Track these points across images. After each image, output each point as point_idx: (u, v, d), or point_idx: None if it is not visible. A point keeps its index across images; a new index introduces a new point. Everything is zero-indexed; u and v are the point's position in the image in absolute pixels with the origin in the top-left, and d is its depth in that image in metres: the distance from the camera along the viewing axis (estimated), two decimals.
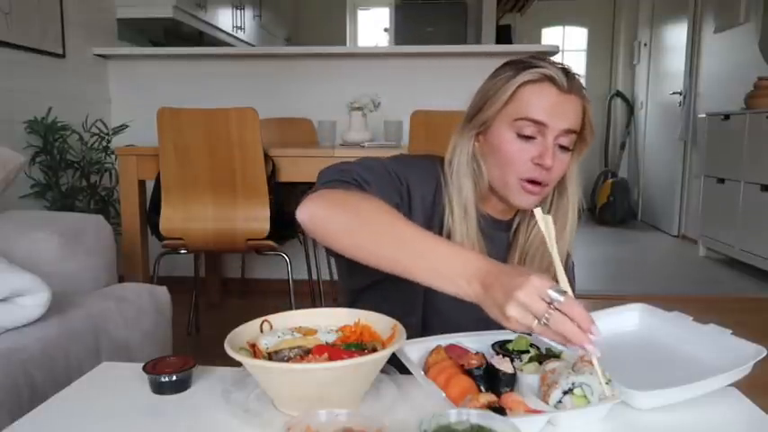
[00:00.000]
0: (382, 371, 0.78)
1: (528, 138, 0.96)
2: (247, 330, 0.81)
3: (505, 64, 1.00)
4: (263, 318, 0.84)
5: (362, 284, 1.07)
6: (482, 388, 0.75)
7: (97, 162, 2.84)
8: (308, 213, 0.87)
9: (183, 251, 2.28)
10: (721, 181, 4.16)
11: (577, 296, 1.16)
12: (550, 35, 7.08)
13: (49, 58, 2.83)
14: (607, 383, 0.72)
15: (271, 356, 0.77)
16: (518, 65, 0.98)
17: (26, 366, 1.14)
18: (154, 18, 3.56)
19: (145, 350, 1.48)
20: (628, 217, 6.01)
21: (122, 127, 2.92)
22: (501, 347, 0.85)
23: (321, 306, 2.09)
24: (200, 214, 2.19)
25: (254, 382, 0.77)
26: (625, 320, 0.99)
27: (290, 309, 0.89)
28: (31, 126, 2.63)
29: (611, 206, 5.91)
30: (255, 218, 2.19)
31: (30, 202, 2.59)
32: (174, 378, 0.81)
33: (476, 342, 0.86)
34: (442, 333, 0.89)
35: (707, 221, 4.41)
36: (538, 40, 6.93)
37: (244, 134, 2.12)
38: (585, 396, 0.71)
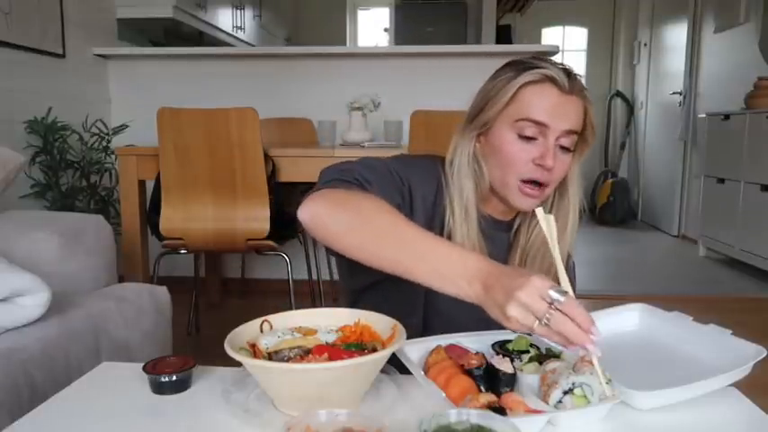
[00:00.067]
0: (382, 371, 0.78)
1: (529, 138, 0.96)
2: (247, 330, 0.81)
3: (506, 64, 1.00)
4: (263, 318, 0.84)
5: (363, 284, 1.07)
6: (482, 388, 0.75)
7: (97, 162, 2.84)
8: (310, 213, 0.87)
9: (183, 251, 2.28)
10: (721, 181, 4.16)
11: (578, 296, 1.17)
12: (550, 35, 7.08)
13: (49, 58, 2.83)
14: (607, 383, 0.72)
15: (271, 356, 0.77)
16: (519, 65, 0.97)
17: (26, 366, 1.14)
18: (154, 18, 3.56)
19: (145, 350, 1.48)
20: (628, 217, 6.01)
21: (122, 127, 2.92)
22: (501, 347, 0.85)
23: (321, 306, 2.09)
24: (200, 214, 2.20)
25: (254, 382, 0.77)
26: (625, 320, 0.99)
27: (290, 309, 0.88)
28: (31, 126, 2.63)
29: (611, 206, 5.91)
30: (255, 218, 2.19)
31: (30, 202, 2.59)
32: (174, 378, 0.81)
33: (476, 342, 0.86)
34: (442, 333, 0.89)
35: (707, 221, 4.41)
36: (538, 40, 6.93)
37: (244, 134, 2.12)
38: (585, 396, 0.71)
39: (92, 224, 1.69)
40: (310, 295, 2.92)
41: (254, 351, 0.78)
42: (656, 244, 5.21)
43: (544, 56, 1.03)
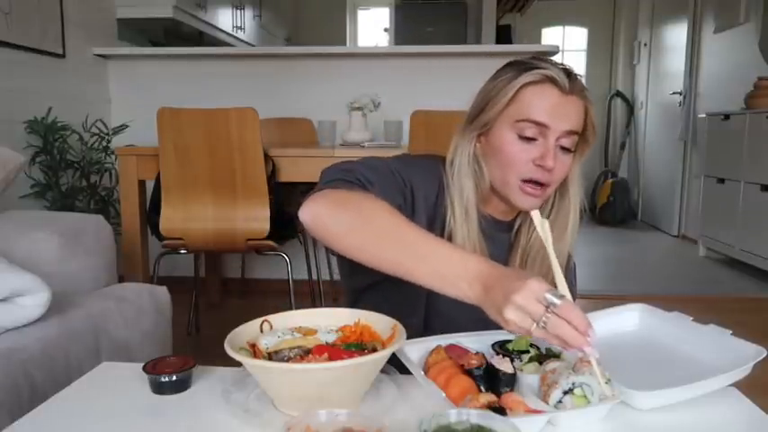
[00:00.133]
0: (382, 371, 0.78)
1: (529, 139, 0.96)
2: (247, 330, 0.81)
3: (507, 65, 1.00)
4: (263, 318, 0.84)
5: (364, 284, 1.07)
6: (482, 388, 0.75)
7: (97, 162, 2.84)
8: (311, 213, 0.87)
9: (183, 251, 2.28)
10: (721, 181, 4.16)
11: (578, 296, 1.17)
12: (550, 35, 7.08)
13: (49, 58, 2.83)
14: (606, 383, 0.72)
15: (271, 356, 0.77)
16: (519, 66, 0.97)
17: (26, 366, 1.14)
18: (154, 18, 3.56)
19: (145, 350, 1.48)
20: (628, 217, 6.01)
21: (122, 127, 2.92)
22: (501, 347, 0.85)
23: (321, 306, 2.09)
24: (200, 214, 2.20)
25: (254, 382, 0.77)
26: (625, 320, 0.99)
27: (290, 309, 0.89)
28: (31, 126, 2.63)
29: (611, 206, 5.91)
30: (255, 218, 2.19)
31: (30, 202, 2.59)
32: (174, 378, 0.81)
33: (476, 342, 0.86)
34: (442, 334, 0.89)
35: (707, 221, 4.41)
36: (538, 40, 6.93)
37: (244, 134, 2.12)
38: (585, 396, 0.72)
39: (92, 224, 1.69)
40: (310, 295, 2.92)
41: (254, 351, 0.78)
42: (656, 244, 5.21)
43: (544, 56, 1.03)
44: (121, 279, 2.00)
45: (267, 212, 2.18)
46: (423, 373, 0.78)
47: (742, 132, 3.87)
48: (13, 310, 1.22)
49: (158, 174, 2.23)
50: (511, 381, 0.75)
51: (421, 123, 2.26)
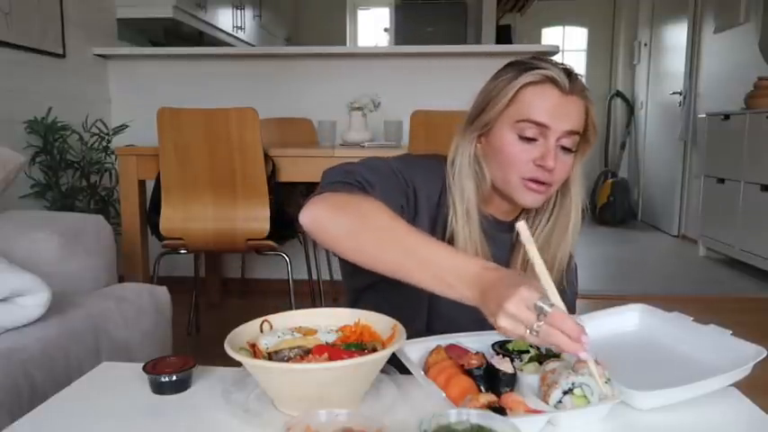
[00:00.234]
0: (382, 371, 0.78)
1: (530, 139, 0.95)
2: (247, 330, 0.81)
3: (507, 65, 1.00)
4: (263, 318, 0.84)
5: (365, 284, 1.07)
6: (482, 388, 0.75)
7: (97, 162, 2.84)
8: (311, 216, 0.88)
9: (183, 251, 2.28)
10: (721, 181, 4.16)
11: (579, 296, 1.17)
12: (550, 35, 7.08)
13: (49, 58, 2.83)
14: (606, 383, 0.72)
15: (271, 356, 0.77)
16: (520, 66, 0.97)
17: (26, 366, 1.14)
18: (154, 18, 3.55)
19: (145, 350, 1.48)
20: (628, 217, 6.01)
21: (122, 127, 2.92)
22: (501, 347, 0.85)
23: (321, 306, 2.09)
24: (200, 214, 2.19)
25: (254, 382, 0.77)
26: (625, 320, 0.99)
27: (290, 309, 0.89)
28: (31, 126, 2.63)
29: (611, 206, 5.91)
30: (255, 218, 2.19)
31: (30, 202, 2.59)
32: (174, 378, 0.81)
33: (476, 342, 0.86)
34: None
35: (707, 221, 4.41)
36: (538, 40, 6.93)
37: (244, 134, 2.12)
38: (585, 396, 0.72)
39: (92, 224, 1.69)
40: (310, 295, 2.92)
41: (254, 351, 0.78)
42: (656, 244, 5.21)
43: (544, 56, 1.03)
44: (121, 279, 2.00)
45: (267, 212, 2.18)
46: (423, 373, 0.78)
47: (742, 132, 3.87)
48: (13, 310, 1.22)
49: (158, 174, 2.23)
50: (511, 381, 0.75)
51: (421, 123, 2.26)
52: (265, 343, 0.79)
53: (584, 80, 0.99)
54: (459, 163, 1.02)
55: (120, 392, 0.82)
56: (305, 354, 0.76)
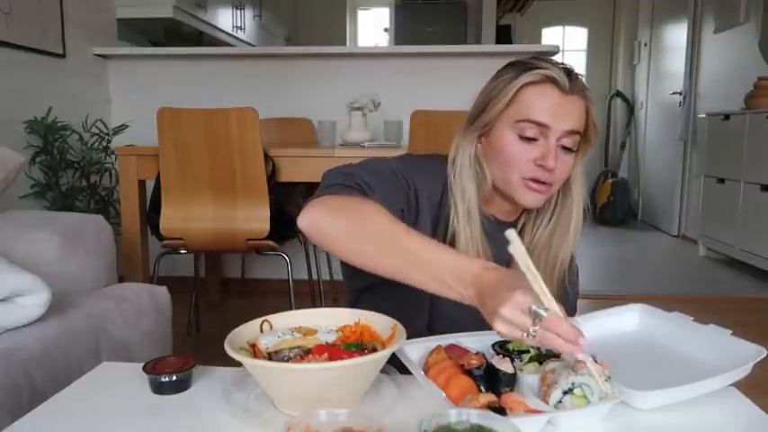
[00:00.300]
0: (382, 371, 0.78)
1: (530, 139, 0.95)
2: (247, 330, 0.81)
3: (508, 65, 1.00)
4: (263, 318, 0.84)
5: (366, 284, 1.07)
6: (482, 388, 0.75)
7: (97, 162, 2.84)
8: (309, 220, 0.88)
9: (183, 251, 2.28)
10: (721, 181, 4.16)
11: (579, 296, 1.17)
12: (550, 35, 7.08)
13: (49, 58, 2.83)
14: (606, 381, 0.72)
15: (271, 356, 0.77)
16: (520, 66, 0.97)
17: (26, 366, 1.14)
18: (154, 18, 3.55)
19: (145, 350, 1.48)
20: (628, 217, 6.01)
21: (122, 127, 2.92)
22: (501, 347, 0.85)
23: (321, 306, 2.09)
24: (200, 214, 2.19)
25: (254, 382, 0.77)
26: (625, 320, 0.99)
27: (290, 309, 0.89)
28: (31, 126, 2.63)
29: (611, 206, 5.92)
30: (255, 218, 2.19)
31: (30, 202, 2.59)
32: (174, 378, 0.81)
33: (476, 342, 0.86)
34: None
35: (707, 221, 4.41)
36: (538, 40, 6.93)
37: (244, 134, 2.12)
38: (585, 396, 0.72)
39: (92, 224, 1.69)
40: (310, 295, 2.92)
41: (254, 351, 0.78)
42: (656, 244, 5.21)
43: (544, 56, 1.03)
44: (121, 279, 2.00)
45: (267, 212, 2.18)
46: (423, 373, 0.78)
47: (742, 132, 3.87)
48: (13, 310, 1.22)
49: (158, 174, 2.23)
50: (511, 381, 0.75)
51: (421, 123, 2.26)
52: (265, 343, 0.79)
53: (584, 80, 0.99)
54: (459, 163, 1.02)
55: (120, 392, 0.82)
56: (305, 354, 0.76)
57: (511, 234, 0.72)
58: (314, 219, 0.88)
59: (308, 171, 2.34)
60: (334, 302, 2.91)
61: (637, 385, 0.74)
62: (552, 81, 0.94)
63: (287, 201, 2.35)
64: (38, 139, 2.64)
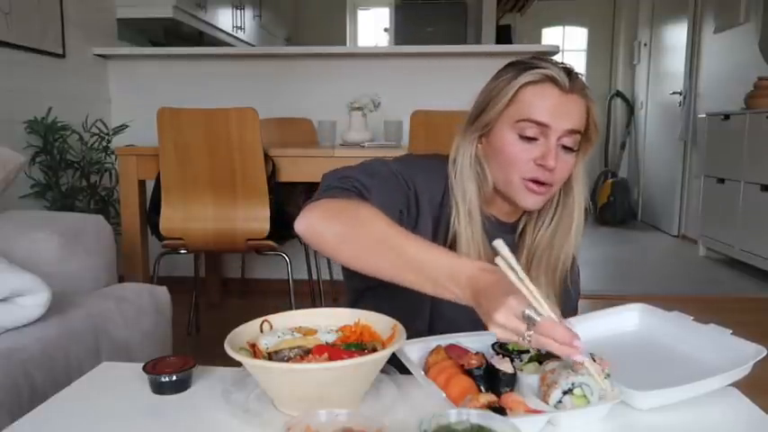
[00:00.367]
0: (382, 371, 0.78)
1: (530, 139, 0.95)
2: (247, 330, 0.81)
3: (507, 65, 1.00)
4: (263, 318, 0.84)
5: (366, 285, 1.07)
6: (482, 388, 0.75)
7: (97, 162, 2.84)
8: (305, 224, 0.88)
9: (183, 251, 2.28)
10: (721, 181, 4.16)
11: (581, 297, 1.16)
12: (550, 35, 7.09)
13: (49, 58, 2.83)
14: (606, 378, 0.72)
15: (271, 356, 0.77)
16: (519, 66, 0.97)
17: (26, 366, 1.14)
18: (154, 18, 3.56)
19: (145, 350, 1.48)
20: (628, 217, 6.01)
21: (122, 127, 2.92)
22: (501, 347, 0.85)
23: (321, 306, 2.09)
24: (200, 214, 2.19)
25: (254, 382, 0.77)
26: (625, 320, 0.99)
27: (290, 309, 0.89)
28: (31, 126, 2.63)
29: (611, 206, 5.92)
30: (255, 218, 2.19)
31: (30, 202, 2.59)
32: (174, 378, 0.81)
33: (476, 342, 0.86)
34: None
35: (707, 221, 4.41)
36: (538, 40, 6.93)
37: (244, 134, 2.12)
38: (585, 396, 0.72)
39: (92, 224, 1.69)
40: (310, 295, 2.92)
41: (254, 351, 0.78)
42: (656, 244, 5.21)
43: (544, 56, 1.03)
44: (121, 279, 2.00)
45: (267, 212, 2.18)
46: (423, 373, 0.78)
47: (742, 132, 3.87)
48: (13, 310, 1.22)
49: (158, 174, 2.23)
50: (511, 381, 0.75)
51: (421, 123, 2.26)
52: (265, 343, 0.79)
53: (584, 80, 0.99)
54: (460, 163, 1.01)
55: (120, 392, 0.82)
56: (305, 354, 0.76)
57: (499, 244, 0.71)
58: (310, 223, 0.88)
59: (308, 171, 2.34)
60: (334, 302, 2.91)
61: (637, 385, 0.74)
62: (552, 80, 0.94)
63: (287, 201, 2.35)
64: (38, 139, 2.64)
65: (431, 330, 1.02)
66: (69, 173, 2.77)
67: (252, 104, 2.13)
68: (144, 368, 0.82)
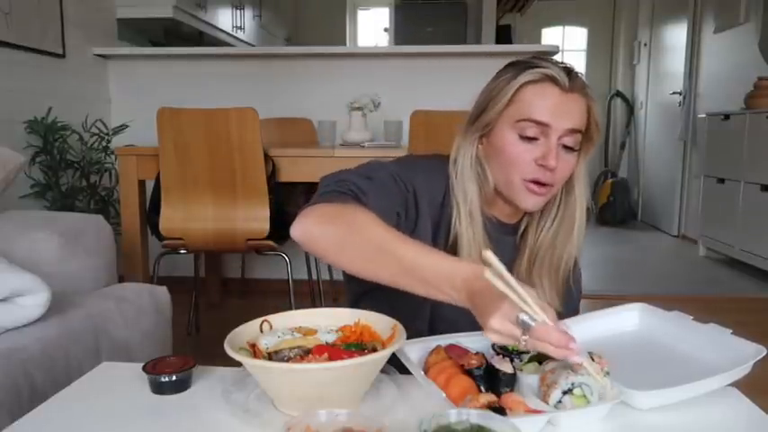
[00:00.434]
0: (382, 371, 0.78)
1: (531, 139, 0.95)
2: (247, 330, 0.81)
3: (508, 65, 1.00)
4: (263, 318, 0.84)
5: (365, 288, 1.07)
6: (482, 388, 0.75)
7: (97, 162, 2.84)
8: (301, 230, 0.88)
9: (183, 251, 2.28)
10: (721, 181, 4.16)
11: (582, 297, 1.16)
12: (550, 35, 7.09)
13: (49, 58, 2.83)
14: (605, 375, 0.72)
15: (271, 356, 0.77)
16: (519, 65, 0.97)
17: (26, 366, 1.14)
18: (154, 18, 3.56)
19: (145, 350, 1.48)
20: (628, 217, 6.01)
21: (122, 127, 2.92)
22: (501, 347, 0.85)
23: (321, 306, 2.09)
24: (200, 214, 2.20)
25: (254, 382, 0.77)
26: (625, 320, 0.98)
27: (290, 309, 0.89)
28: (31, 126, 2.63)
29: (611, 206, 5.92)
30: (255, 218, 2.19)
31: (30, 202, 2.59)
32: (174, 378, 0.81)
33: (476, 342, 0.86)
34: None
35: (707, 221, 4.41)
36: (538, 40, 6.93)
37: (244, 134, 2.12)
38: (585, 396, 0.72)
39: (92, 224, 1.69)
40: (310, 295, 2.92)
41: (254, 351, 0.78)
42: (656, 244, 5.21)
43: (544, 56, 1.03)
44: (121, 279, 2.00)
45: (267, 212, 2.18)
46: (423, 373, 0.78)
47: (742, 132, 3.87)
48: (13, 310, 1.22)
49: (158, 174, 2.23)
50: (511, 381, 0.75)
51: (421, 123, 2.26)
52: (265, 343, 0.79)
53: (584, 79, 0.99)
54: (461, 164, 1.01)
55: (120, 392, 0.82)
56: (305, 354, 0.76)
57: (488, 255, 0.70)
58: (306, 229, 0.88)
59: (308, 171, 2.34)
60: (334, 302, 2.91)
61: (637, 385, 0.74)
62: (552, 79, 0.94)
63: (287, 201, 2.35)
64: (38, 139, 2.64)
65: (431, 331, 1.02)
66: (69, 173, 2.77)
67: (252, 104, 2.13)
68: (144, 368, 0.82)
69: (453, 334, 0.88)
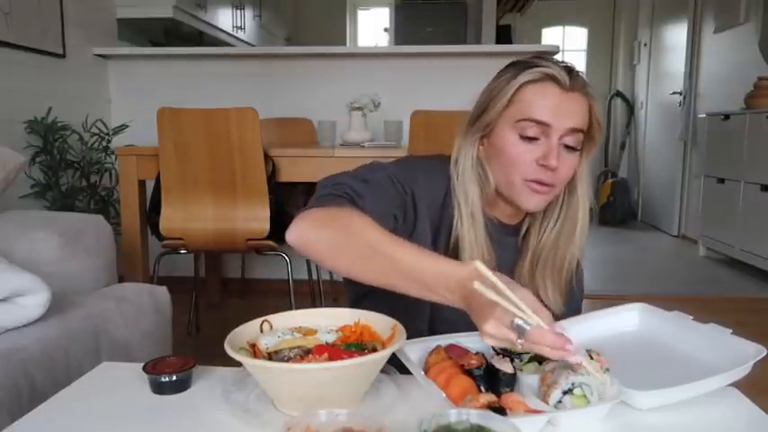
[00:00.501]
0: (382, 371, 0.78)
1: (531, 139, 0.94)
2: (247, 330, 0.81)
3: (508, 65, 0.99)
4: (263, 318, 0.84)
5: (364, 291, 1.07)
6: (482, 388, 0.75)
7: (97, 162, 2.84)
8: (297, 234, 0.87)
9: (183, 251, 2.28)
10: (721, 181, 4.16)
11: (584, 297, 1.16)
12: (550, 35, 7.09)
13: (49, 58, 2.83)
14: (605, 373, 0.72)
15: (271, 356, 0.77)
16: (520, 65, 0.97)
17: (26, 366, 1.14)
18: (154, 18, 3.56)
19: (145, 350, 1.48)
20: (628, 217, 6.01)
21: (122, 127, 2.92)
22: (501, 347, 0.85)
23: (321, 306, 2.09)
24: (200, 214, 2.20)
25: (254, 382, 0.77)
26: (625, 320, 0.98)
27: (290, 309, 0.89)
28: (31, 126, 2.63)
29: (611, 206, 5.92)
30: (255, 218, 2.19)
31: (30, 202, 2.59)
32: (174, 378, 0.81)
33: (476, 342, 0.86)
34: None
35: (707, 221, 4.41)
36: (538, 40, 6.93)
37: (244, 134, 2.12)
38: (585, 396, 0.72)
39: (92, 224, 1.69)
40: (310, 295, 2.92)
41: (254, 351, 0.78)
42: (656, 244, 5.21)
43: (545, 56, 1.03)
44: (121, 279, 2.00)
45: (267, 212, 2.18)
46: (423, 373, 0.78)
47: (742, 132, 3.87)
48: (13, 310, 1.22)
49: (158, 174, 2.23)
50: (511, 381, 0.75)
51: (421, 123, 2.26)
52: (265, 343, 0.79)
53: (584, 78, 0.98)
54: (462, 165, 1.00)
55: (120, 392, 0.82)
56: (305, 354, 0.76)
57: (478, 265, 0.70)
58: (301, 233, 0.87)
59: (308, 171, 2.35)
60: (334, 302, 2.91)
61: (637, 385, 0.74)
62: (552, 79, 0.93)
63: (287, 201, 2.35)
64: (38, 139, 2.64)
65: (431, 332, 1.02)
66: (69, 173, 2.77)
67: (252, 104, 2.13)
68: (144, 368, 0.82)
69: (453, 334, 0.88)
